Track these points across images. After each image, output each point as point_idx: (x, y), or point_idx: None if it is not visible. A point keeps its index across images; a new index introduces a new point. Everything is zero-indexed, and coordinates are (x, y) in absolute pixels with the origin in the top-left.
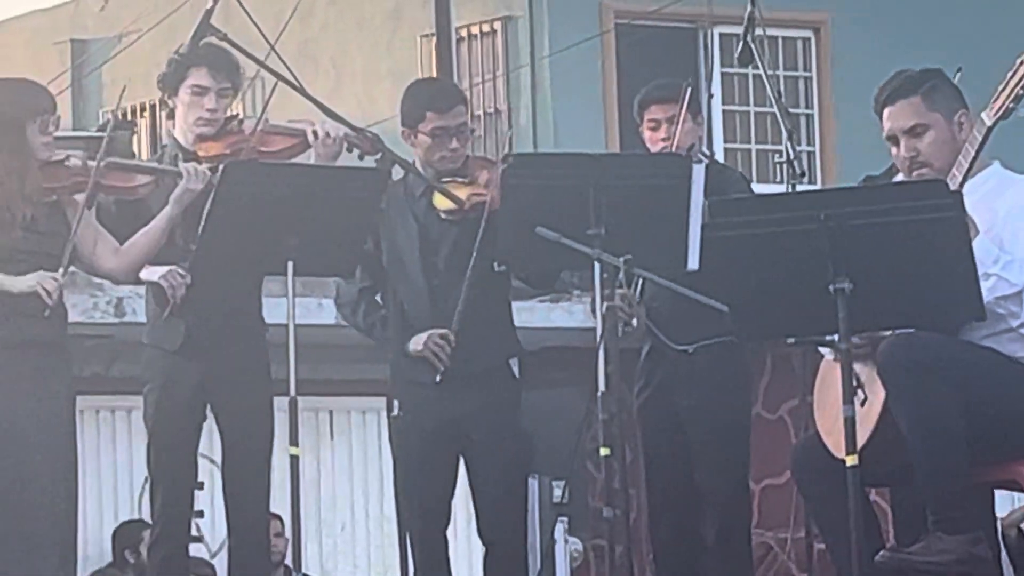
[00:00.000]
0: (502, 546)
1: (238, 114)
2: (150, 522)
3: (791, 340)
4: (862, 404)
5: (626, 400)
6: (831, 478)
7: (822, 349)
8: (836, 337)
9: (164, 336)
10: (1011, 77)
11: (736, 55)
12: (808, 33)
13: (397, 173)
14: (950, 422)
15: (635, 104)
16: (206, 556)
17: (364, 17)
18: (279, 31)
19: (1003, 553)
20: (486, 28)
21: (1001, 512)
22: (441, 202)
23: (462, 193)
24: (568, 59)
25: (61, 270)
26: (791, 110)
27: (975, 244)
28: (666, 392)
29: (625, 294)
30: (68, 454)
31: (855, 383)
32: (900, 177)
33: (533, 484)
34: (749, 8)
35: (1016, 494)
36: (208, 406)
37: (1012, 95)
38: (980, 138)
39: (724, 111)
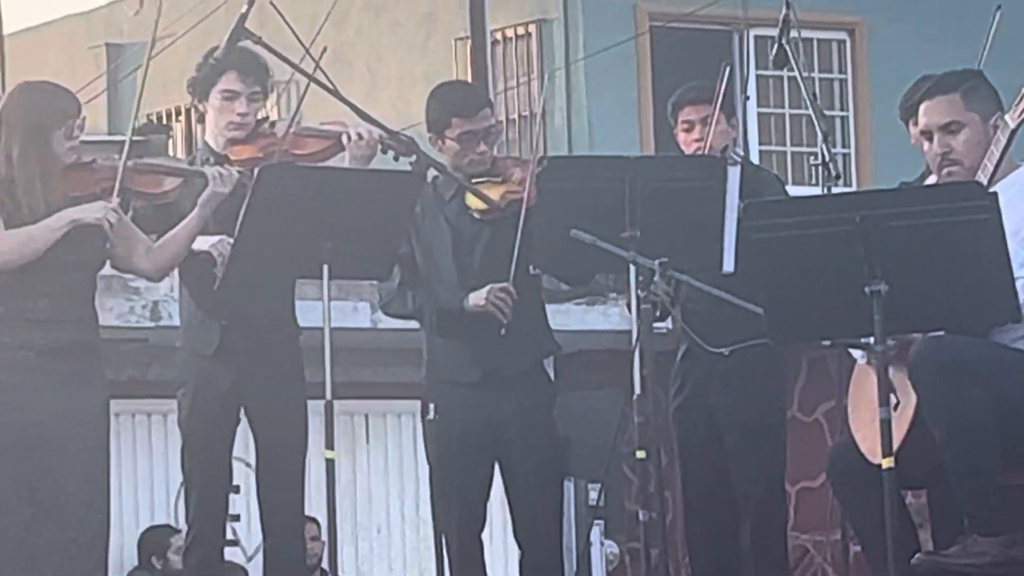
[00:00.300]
0: (538, 549)
1: (269, 117)
2: (178, 527)
3: (826, 342)
4: (895, 408)
5: (661, 403)
6: (866, 481)
7: (854, 352)
8: (871, 339)
9: (198, 340)
10: None
11: (771, 57)
12: (843, 35)
13: (427, 176)
14: (982, 424)
15: (669, 106)
16: (242, 560)
17: (399, 21)
18: (314, 35)
19: None
20: (521, 31)
21: None
22: (473, 202)
23: (496, 193)
24: (603, 62)
25: (114, 197)
26: (826, 112)
27: None
28: (702, 395)
29: (660, 284)
30: (101, 458)
31: (888, 388)
32: (932, 179)
33: (569, 487)
34: (784, 10)
35: None
36: (242, 409)
37: None
38: (1005, 140)
39: (759, 113)
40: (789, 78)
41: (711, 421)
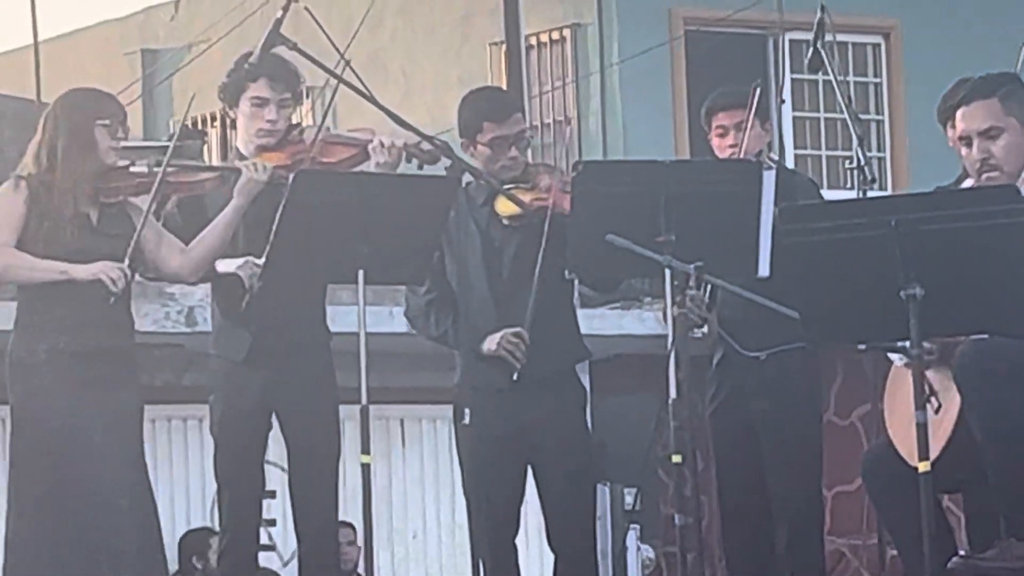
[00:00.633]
0: (572, 554)
1: (300, 124)
2: (216, 530)
3: (862, 346)
4: (936, 411)
5: (697, 407)
6: (902, 485)
7: (891, 355)
8: (907, 343)
9: (229, 346)
10: None
11: (806, 61)
12: (878, 39)
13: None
14: None
15: (702, 112)
16: (278, 564)
17: (433, 25)
18: (349, 40)
19: None
20: (555, 35)
21: None
22: (504, 208)
23: (525, 199)
24: (637, 66)
25: (126, 261)
26: (861, 116)
27: None
28: (737, 399)
29: (695, 295)
30: (134, 463)
31: (929, 391)
32: (969, 182)
33: (605, 491)
34: (819, 14)
35: None
36: (274, 414)
37: None
38: None
39: (795, 117)
40: (824, 82)
41: (747, 425)
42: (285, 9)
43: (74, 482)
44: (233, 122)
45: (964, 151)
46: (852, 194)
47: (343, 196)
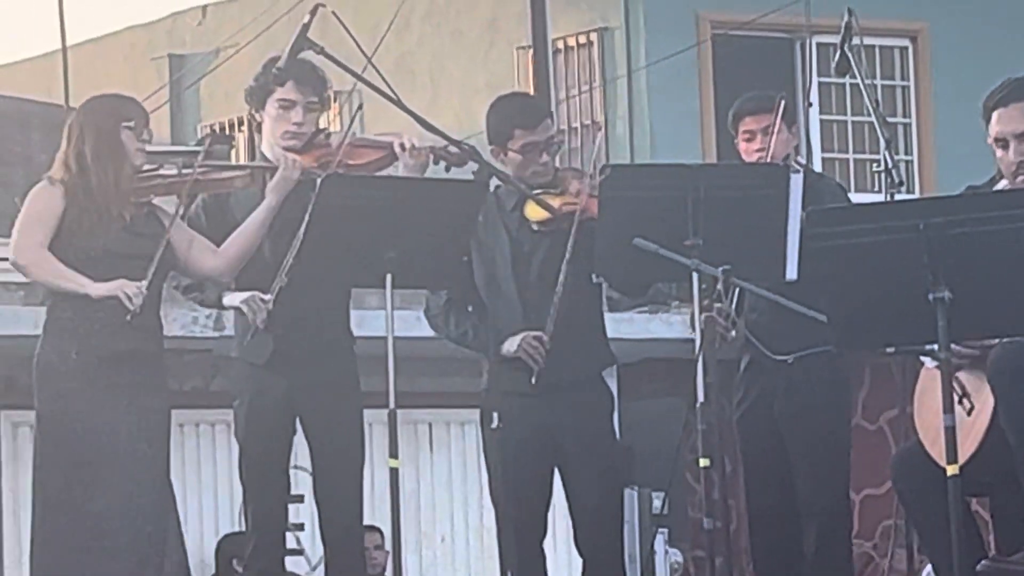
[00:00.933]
0: (599, 558)
1: (326, 128)
2: None
3: (890, 350)
4: (968, 413)
5: (725, 411)
6: (931, 488)
7: (923, 358)
8: (936, 347)
9: (253, 350)
10: None
11: (833, 64)
12: (905, 42)
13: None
14: None
15: (729, 116)
16: (307, 569)
17: (461, 30)
18: (376, 45)
19: None
20: (582, 40)
21: None
22: (533, 213)
23: (554, 203)
24: (665, 70)
25: (151, 270)
26: (889, 119)
27: None
28: (765, 403)
29: (722, 308)
30: (162, 468)
31: (961, 392)
32: (1003, 183)
33: (633, 495)
34: (846, 17)
35: None
36: (298, 419)
37: None
38: None
39: (822, 120)
40: (852, 85)
41: (775, 429)
42: (312, 13)
43: (99, 486)
44: (259, 126)
45: (1000, 153)
46: (880, 197)
47: (371, 200)
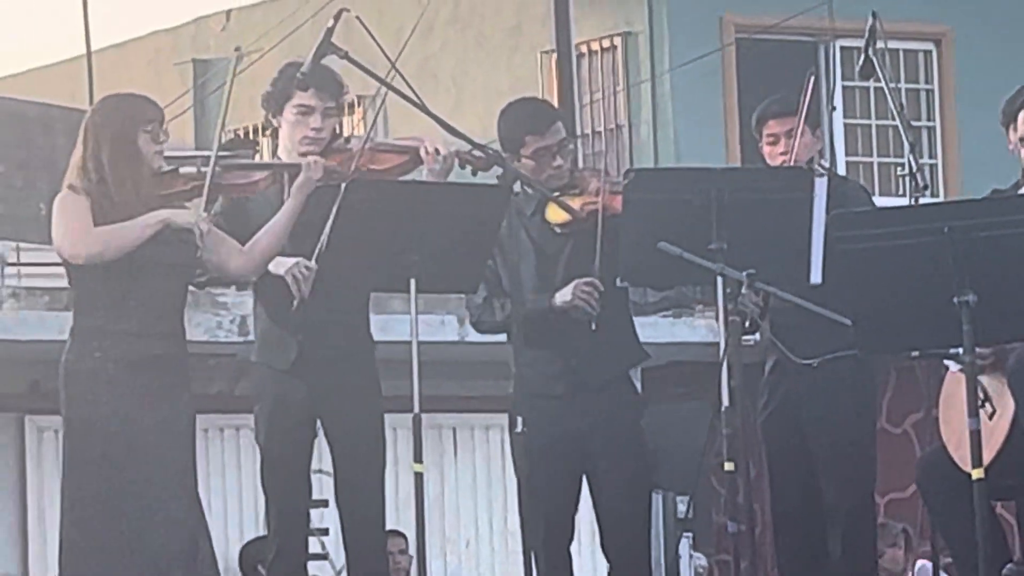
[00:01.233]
0: (626, 562)
1: (347, 133)
2: None
3: (915, 353)
4: (990, 417)
5: (750, 415)
6: (957, 491)
7: (947, 361)
8: (960, 350)
9: (275, 355)
10: None
11: (857, 68)
12: (929, 45)
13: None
14: None
15: (753, 120)
16: (331, 574)
17: (484, 34)
18: (400, 49)
19: None
20: (606, 44)
21: None
22: (555, 215)
23: (575, 205)
24: (688, 74)
25: (202, 204)
26: (913, 123)
27: None
28: (790, 406)
29: (749, 294)
30: (187, 473)
31: (983, 396)
32: None
33: (657, 499)
34: (870, 21)
35: None
36: (319, 423)
37: None
38: None
39: (846, 124)
40: (876, 89)
41: (800, 433)
42: (337, 18)
43: (125, 490)
44: (275, 131)
45: None
46: (904, 201)
47: (394, 205)
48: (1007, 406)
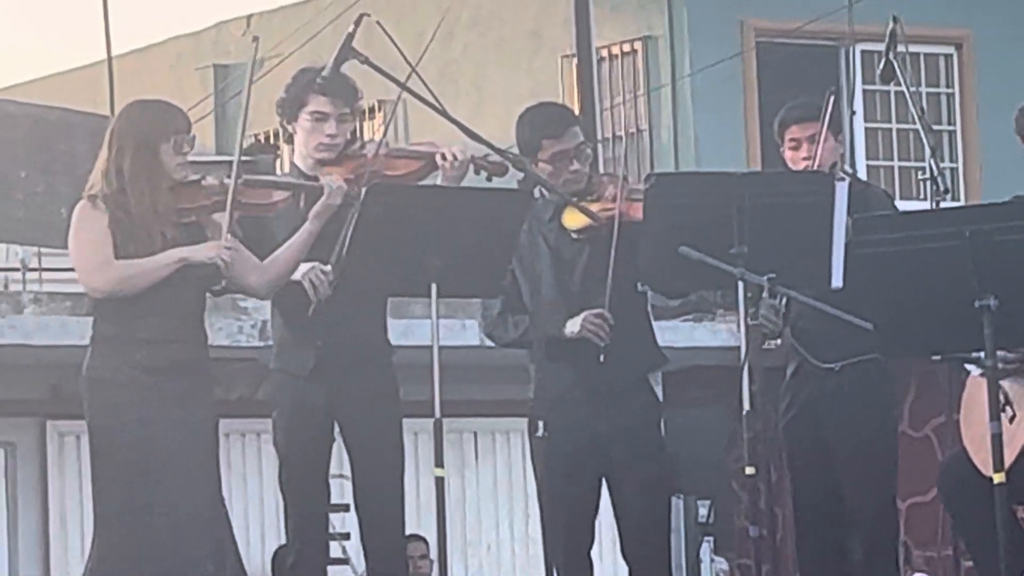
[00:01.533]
0: (646, 568)
1: (362, 139)
2: None
3: (936, 357)
4: (1011, 421)
5: (771, 419)
6: (978, 495)
7: (968, 366)
8: (982, 354)
9: (293, 361)
10: None
11: (878, 72)
12: (950, 49)
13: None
14: None
15: (775, 125)
16: None
17: (505, 39)
18: (420, 54)
19: None
20: (627, 48)
21: None
22: (572, 221)
23: (593, 210)
24: (709, 78)
25: (227, 233)
26: (934, 127)
27: None
28: (812, 410)
29: (772, 304)
30: (210, 477)
31: (1004, 400)
32: None
33: (679, 503)
34: (891, 25)
35: None
36: (337, 428)
37: None
38: None
39: (867, 128)
40: (896, 92)
41: (821, 436)
42: (357, 23)
43: (150, 496)
44: (290, 137)
45: None
46: (925, 205)
47: (415, 209)
48: None
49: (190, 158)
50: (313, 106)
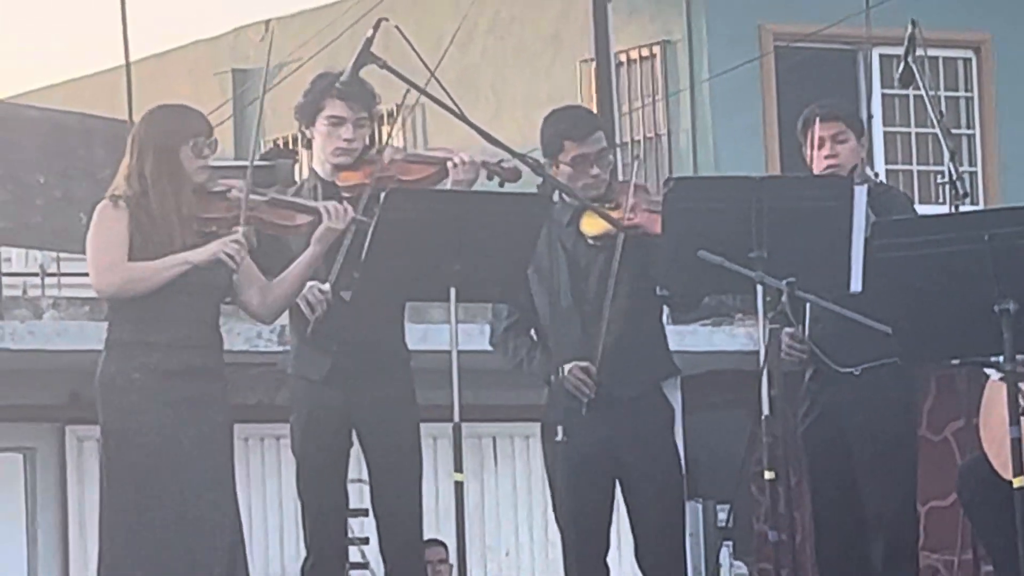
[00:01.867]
0: (661, 572)
1: (377, 143)
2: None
3: (955, 361)
4: None
5: (790, 423)
6: (998, 499)
7: (987, 370)
8: (1001, 358)
9: (309, 366)
10: None
11: (897, 76)
12: (969, 53)
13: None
14: None
15: (799, 123)
16: None
17: (523, 43)
18: (439, 58)
19: None
20: (645, 52)
21: None
22: (590, 227)
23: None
24: (727, 82)
25: (241, 228)
26: (953, 130)
27: None
28: (831, 414)
29: (794, 334)
30: (226, 482)
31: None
32: None
33: (698, 508)
34: (910, 29)
35: None
36: (354, 432)
37: None
38: None
39: (885, 132)
40: (915, 96)
41: (841, 441)
42: (376, 28)
43: (164, 501)
44: (309, 142)
45: None
46: (944, 209)
47: (435, 214)
48: None
49: (210, 162)
50: (330, 110)
